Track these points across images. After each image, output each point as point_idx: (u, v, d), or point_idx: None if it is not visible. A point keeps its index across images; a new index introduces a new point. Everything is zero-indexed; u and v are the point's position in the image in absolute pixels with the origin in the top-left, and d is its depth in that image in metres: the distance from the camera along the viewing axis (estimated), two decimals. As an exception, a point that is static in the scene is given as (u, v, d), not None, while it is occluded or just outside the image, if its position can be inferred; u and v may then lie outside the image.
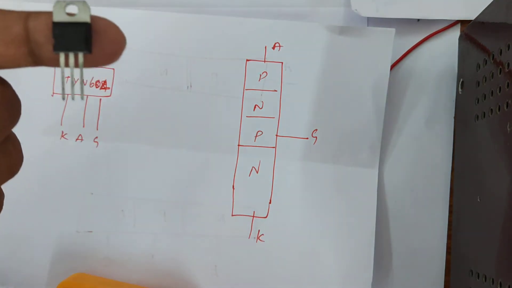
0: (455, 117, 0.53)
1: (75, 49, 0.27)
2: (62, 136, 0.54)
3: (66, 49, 0.27)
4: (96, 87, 0.53)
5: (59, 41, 0.26)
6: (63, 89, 0.28)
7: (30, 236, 0.54)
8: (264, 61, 0.53)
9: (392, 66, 0.54)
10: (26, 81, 0.53)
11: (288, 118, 0.53)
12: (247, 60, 0.53)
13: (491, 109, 0.43)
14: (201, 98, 0.53)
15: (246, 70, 0.53)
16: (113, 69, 0.53)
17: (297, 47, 0.53)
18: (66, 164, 0.54)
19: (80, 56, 0.27)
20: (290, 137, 0.53)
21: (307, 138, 0.52)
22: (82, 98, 0.30)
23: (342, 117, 0.52)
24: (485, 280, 0.42)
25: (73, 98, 0.27)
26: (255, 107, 0.53)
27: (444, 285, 0.52)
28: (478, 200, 0.45)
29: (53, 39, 0.27)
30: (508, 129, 0.39)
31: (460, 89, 0.52)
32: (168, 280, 0.53)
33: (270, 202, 0.52)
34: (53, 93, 0.54)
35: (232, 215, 0.53)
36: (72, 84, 0.28)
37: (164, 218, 0.53)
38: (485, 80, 0.45)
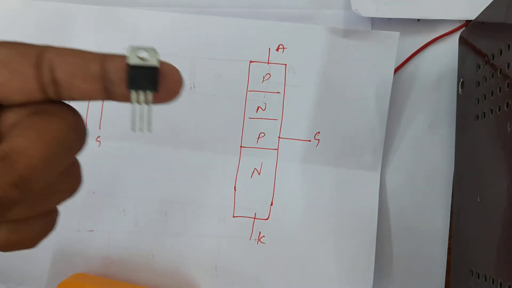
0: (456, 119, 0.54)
1: (146, 89, 0.32)
2: (65, 134, 0.54)
3: (138, 88, 0.31)
4: (100, 87, 0.54)
5: (132, 81, 0.31)
6: (134, 122, 0.33)
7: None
8: (268, 62, 0.53)
9: (396, 70, 0.54)
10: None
11: (290, 120, 0.53)
12: (251, 61, 0.53)
13: (491, 109, 0.43)
14: (204, 98, 0.53)
15: (249, 72, 0.53)
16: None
17: (301, 49, 0.53)
18: (68, 162, 0.54)
19: (149, 94, 0.32)
20: (292, 139, 0.53)
21: (310, 141, 0.52)
22: (151, 132, 0.34)
23: (345, 120, 0.52)
24: (485, 280, 0.42)
25: (142, 131, 0.32)
26: (258, 108, 0.53)
27: (445, 285, 0.52)
28: (478, 200, 0.45)
29: (126, 79, 0.31)
30: (508, 129, 0.39)
31: (460, 89, 0.52)
32: (168, 280, 0.53)
33: (271, 204, 0.52)
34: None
35: (234, 216, 0.53)
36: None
37: (165, 218, 0.53)
38: (485, 80, 0.45)
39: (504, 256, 0.39)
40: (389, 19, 0.54)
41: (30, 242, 0.35)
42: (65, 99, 0.33)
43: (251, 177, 0.53)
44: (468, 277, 0.46)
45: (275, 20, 0.53)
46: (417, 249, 0.53)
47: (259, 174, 0.53)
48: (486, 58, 0.45)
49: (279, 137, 0.53)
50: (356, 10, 0.53)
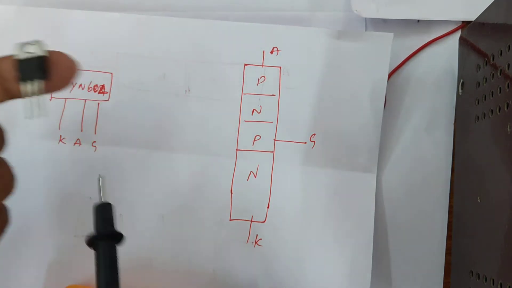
0: (455, 120, 0.54)
1: (36, 78, 0.34)
2: (60, 140, 0.53)
3: (30, 79, 0.34)
4: (94, 92, 0.53)
5: (22, 74, 0.34)
6: (27, 110, 0.35)
7: (28, 241, 0.53)
8: (262, 65, 0.53)
9: (393, 71, 0.54)
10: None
11: (286, 122, 0.53)
12: (245, 64, 0.53)
13: (491, 110, 0.43)
14: (199, 102, 0.53)
15: (244, 75, 0.53)
16: (111, 73, 0.53)
17: (295, 51, 0.53)
18: (64, 168, 0.53)
19: (41, 83, 0.35)
20: (288, 141, 0.53)
21: (305, 143, 0.52)
22: (44, 116, 0.36)
23: (340, 122, 0.52)
24: (486, 281, 0.42)
25: (35, 117, 0.35)
26: (253, 111, 0.53)
27: (443, 286, 0.52)
28: (479, 200, 0.45)
29: (18, 74, 0.34)
30: (508, 129, 0.39)
31: (460, 90, 0.52)
32: (166, 285, 0.52)
33: (268, 207, 0.52)
34: (51, 97, 0.53)
35: (230, 220, 0.52)
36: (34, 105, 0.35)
37: (162, 222, 0.53)
38: (485, 81, 0.45)
39: (504, 256, 0.40)
40: (388, 20, 0.54)
41: None
42: None
43: (248, 180, 0.53)
44: (468, 278, 0.47)
45: (270, 23, 0.53)
46: (414, 250, 0.53)
47: (255, 177, 0.53)
48: (486, 59, 0.45)
49: (274, 140, 0.53)
50: (356, 11, 0.53)
